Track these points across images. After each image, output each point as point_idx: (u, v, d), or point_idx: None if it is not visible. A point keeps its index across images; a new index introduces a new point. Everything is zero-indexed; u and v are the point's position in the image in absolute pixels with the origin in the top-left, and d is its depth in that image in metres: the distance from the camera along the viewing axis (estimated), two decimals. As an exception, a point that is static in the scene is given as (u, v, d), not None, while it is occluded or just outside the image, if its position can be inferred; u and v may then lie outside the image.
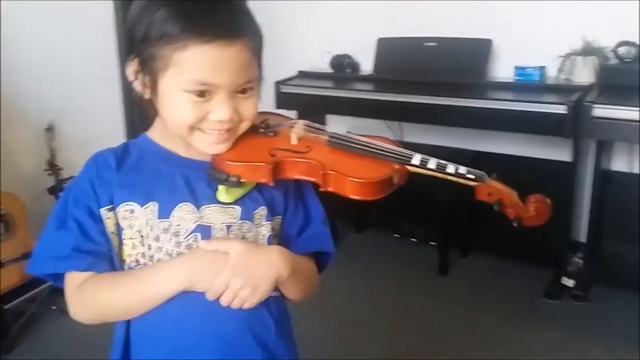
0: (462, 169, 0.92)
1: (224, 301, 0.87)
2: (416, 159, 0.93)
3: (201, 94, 0.86)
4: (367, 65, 3.48)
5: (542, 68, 2.88)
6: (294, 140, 0.96)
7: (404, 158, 0.93)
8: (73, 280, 0.92)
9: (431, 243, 3.17)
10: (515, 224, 0.91)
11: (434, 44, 3.18)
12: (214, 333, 0.92)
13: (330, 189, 0.90)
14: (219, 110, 0.88)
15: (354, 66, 3.53)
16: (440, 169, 0.92)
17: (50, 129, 2.96)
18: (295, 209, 1.02)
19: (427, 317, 2.67)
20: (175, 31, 0.83)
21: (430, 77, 3.09)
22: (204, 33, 0.83)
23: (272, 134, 0.98)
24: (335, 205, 3.61)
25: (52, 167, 2.89)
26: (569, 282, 2.75)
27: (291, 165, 0.92)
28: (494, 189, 0.91)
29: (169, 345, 0.92)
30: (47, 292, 2.53)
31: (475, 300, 2.78)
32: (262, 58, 0.95)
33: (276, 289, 0.95)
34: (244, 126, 0.94)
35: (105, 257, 0.92)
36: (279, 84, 3.37)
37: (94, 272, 0.91)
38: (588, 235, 2.83)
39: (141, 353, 0.94)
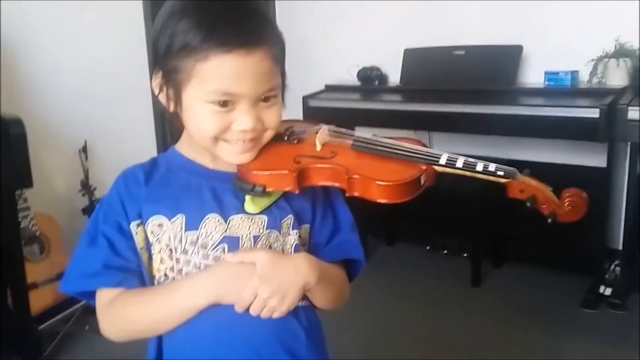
0: (492, 166, 0.89)
1: (253, 311, 0.86)
2: (443, 158, 0.90)
3: (224, 104, 0.86)
4: (395, 77, 3.47)
5: (574, 72, 2.83)
6: (318, 147, 0.95)
7: (432, 158, 0.91)
8: (103, 298, 0.92)
9: (463, 255, 3.12)
10: (550, 220, 0.88)
11: (462, 52, 3.15)
12: (244, 345, 0.91)
13: (356, 194, 0.88)
14: (242, 119, 0.87)
15: (382, 78, 3.52)
16: (469, 167, 0.89)
17: (84, 150, 3.03)
18: (323, 216, 1.00)
19: (460, 329, 2.61)
20: (197, 42, 0.83)
21: (459, 85, 3.06)
22: (224, 43, 0.83)
23: (296, 141, 0.97)
24: (366, 218, 3.60)
25: (86, 187, 2.94)
26: (607, 291, 2.67)
27: (315, 171, 0.91)
28: (526, 185, 0.88)
29: (199, 357, 0.91)
30: (81, 312, 2.55)
31: (510, 312, 2.71)
32: (284, 66, 0.95)
33: (305, 298, 0.94)
34: (268, 135, 0.93)
35: (135, 274, 0.92)
36: (306, 98, 3.38)
37: (123, 289, 0.91)
38: (624, 242, 2.75)
39: None
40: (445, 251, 3.23)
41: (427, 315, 2.75)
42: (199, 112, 0.88)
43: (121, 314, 0.91)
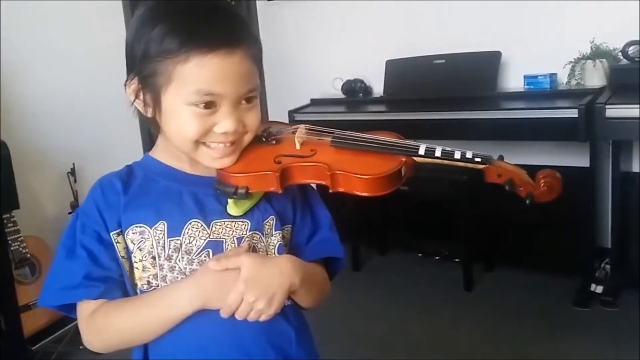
0: (469, 154, 0.91)
1: (239, 315, 0.86)
2: (422, 149, 0.91)
3: (206, 105, 0.85)
4: (379, 88, 3.52)
5: (552, 75, 2.87)
6: (297, 146, 0.96)
7: (410, 150, 0.92)
8: (85, 310, 0.90)
9: (455, 260, 3.13)
10: (527, 202, 0.90)
11: (442, 61, 3.20)
12: (233, 348, 0.90)
13: (340, 189, 0.89)
14: (224, 122, 0.87)
15: (366, 90, 3.57)
16: (447, 155, 0.91)
17: (72, 173, 3.05)
18: (302, 216, 1.01)
19: (454, 334, 2.62)
20: (175, 45, 0.83)
21: (441, 93, 3.11)
22: (204, 44, 0.83)
23: (274, 142, 0.97)
24: (358, 229, 3.63)
25: (76, 209, 2.95)
26: (598, 289, 2.68)
27: (298, 170, 0.91)
28: (502, 170, 0.90)
29: None
30: (74, 331, 2.55)
31: (503, 314, 2.72)
32: (262, 67, 0.95)
33: (289, 298, 0.94)
34: (248, 138, 0.93)
35: (117, 283, 0.90)
36: (292, 112, 3.42)
37: (105, 300, 0.89)
38: (613, 240, 2.78)
39: None
40: (437, 257, 3.25)
41: (421, 320, 2.76)
42: (180, 116, 0.87)
43: (105, 325, 0.89)
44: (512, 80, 3.10)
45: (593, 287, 2.71)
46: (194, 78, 0.84)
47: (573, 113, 2.51)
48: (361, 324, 2.74)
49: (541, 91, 2.85)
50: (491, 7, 3.12)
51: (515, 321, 2.65)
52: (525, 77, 2.92)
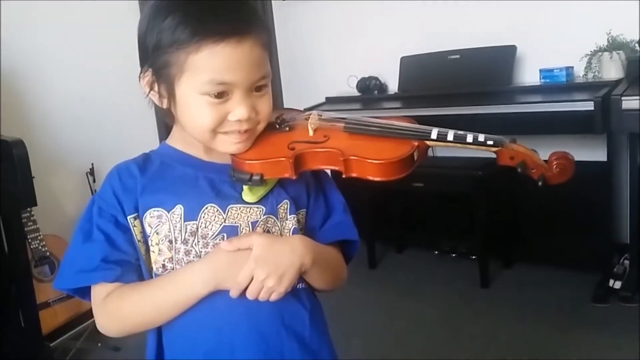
0: (481, 137, 0.90)
1: (250, 294, 0.86)
2: (434, 133, 0.91)
3: (219, 95, 0.86)
4: (394, 85, 3.51)
5: (569, 68, 2.84)
6: (310, 132, 0.96)
7: (423, 134, 0.91)
8: (100, 293, 0.91)
9: (471, 257, 3.11)
10: (540, 184, 0.89)
11: (457, 56, 3.19)
12: (246, 329, 0.91)
13: (353, 175, 0.89)
14: (238, 109, 0.88)
15: (381, 87, 3.56)
16: (460, 139, 0.91)
17: (91, 173, 3.10)
18: (316, 200, 1.01)
19: (471, 331, 2.59)
20: (187, 35, 0.84)
21: (456, 89, 3.10)
22: (215, 33, 0.83)
23: (287, 128, 0.98)
24: (375, 227, 3.61)
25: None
26: (616, 284, 2.64)
27: (311, 156, 0.91)
28: (515, 152, 0.89)
29: (202, 348, 0.91)
30: (92, 328, 2.59)
31: (521, 311, 2.70)
32: (272, 54, 0.96)
33: (303, 280, 0.95)
34: (261, 126, 0.94)
35: (133, 267, 0.91)
36: (307, 110, 3.41)
37: (120, 284, 0.90)
38: (631, 234, 2.73)
39: (174, 356, 0.94)
40: (453, 254, 3.23)
41: (438, 317, 2.75)
42: (194, 106, 0.88)
43: (119, 308, 0.90)
44: (528, 75, 3.07)
45: (611, 282, 2.67)
46: (206, 67, 0.85)
47: (589, 105, 2.47)
48: (377, 321, 2.73)
49: (557, 85, 2.83)
50: (506, 1, 3.09)
51: (532, 318, 2.62)
52: (541, 70, 2.90)
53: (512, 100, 2.82)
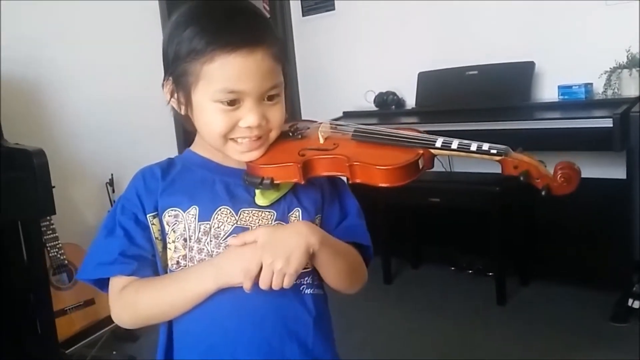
0: (485, 146, 0.91)
1: (262, 283, 0.88)
2: (439, 142, 0.93)
3: (231, 102, 0.91)
4: (411, 101, 3.52)
5: (587, 85, 2.83)
6: (321, 140, 1.00)
7: (428, 142, 0.94)
8: (116, 285, 0.96)
9: (488, 274, 3.09)
10: (544, 193, 0.89)
11: (475, 72, 3.19)
12: (250, 329, 0.94)
13: (358, 180, 0.92)
14: (248, 116, 0.92)
15: (399, 102, 3.57)
16: (464, 148, 0.92)
17: (110, 183, 3.15)
18: (330, 204, 1.05)
19: (487, 348, 2.56)
20: (202, 46, 0.89)
21: (473, 105, 3.10)
22: (227, 44, 0.89)
23: (300, 136, 1.02)
24: (391, 242, 3.59)
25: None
26: (635, 304, 2.59)
27: (319, 162, 0.95)
28: (519, 161, 0.89)
29: (206, 343, 0.95)
30: (107, 336, 2.61)
31: (538, 329, 2.66)
32: (285, 66, 0.99)
33: (318, 281, 0.99)
34: (274, 135, 0.98)
35: (149, 263, 0.96)
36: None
37: (136, 277, 0.95)
38: (651, 253, 2.68)
39: (182, 353, 0.98)
40: (470, 271, 3.21)
41: (453, 334, 2.72)
42: (207, 112, 0.93)
43: (134, 301, 0.95)
44: (547, 91, 3.06)
45: (630, 302, 2.61)
46: (219, 76, 0.90)
47: (608, 122, 2.45)
48: (392, 336, 2.71)
49: (576, 101, 2.81)
50: (524, 17, 3.10)
51: (549, 336, 2.59)
52: (559, 87, 2.89)
53: (530, 117, 2.81)
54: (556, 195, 0.89)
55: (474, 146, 0.91)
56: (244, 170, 0.97)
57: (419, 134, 0.97)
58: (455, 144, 0.92)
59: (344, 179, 1.01)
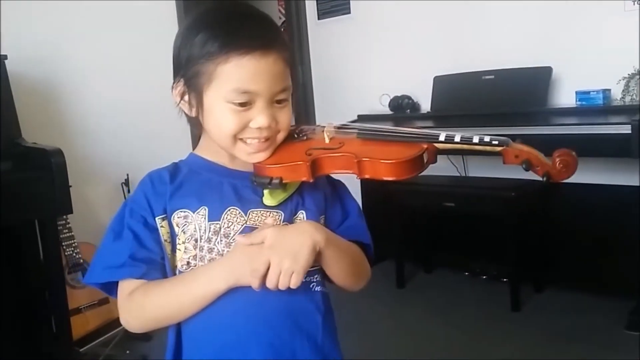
0: (487, 138, 0.94)
1: (270, 282, 0.89)
2: (442, 136, 0.96)
3: (243, 103, 0.93)
4: (426, 105, 3.51)
5: (605, 91, 2.80)
6: (326, 140, 1.02)
7: (431, 137, 0.97)
8: (125, 289, 0.96)
9: (502, 280, 3.07)
10: (544, 179, 0.93)
11: (491, 77, 3.18)
12: (261, 328, 0.95)
13: (366, 176, 0.94)
14: (259, 117, 0.94)
15: (414, 106, 3.57)
16: (466, 140, 0.95)
17: (126, 183, 3.18)
18: (333, 205, 1.07)
19: (500, 355, 2.54)
20: (216, 48, 0.92)
21: (489, 109, 3.08)
22: (242, 46, 0.91)
23: (305, 137, 1.05)
24: (404, 246, 3.57)
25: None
26: (651, 312, 2.57)
27: (327, 160, 0.97)
28: (519, 151, 0.93)
29: (217, 343, 0.95)
30: (121, 335, 2.63)
31: (552, 336, 2.64)
32: (293, 70, 1.02)
33: (323, 279, 1.00)
34: (281, 137, 1.00)
35: (158, 266, 0.96)
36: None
37: (145, 281, 0.95)
38: (667, 261, 2.65)
39: (191, 353, 0.98)
40: (484, 277, 3.19)
41: (466, 340, 2.70)
42: (219, 112, 0.95)
43: (142, 304, 0.95)
44: (564, 97, 3.03)
45: (646, 310, 2.59)
46: (233, 77, 0.92)
47: (626, 129, 2.42)
48: (404, 342, 2.70)
49: (594, 107, 2.79)
50: (542, 22, 3.08)
51: (563, 343, 2.57)
52: (577, 92, 2.87)
53: (547, 122, 2.79)
54: (556, 182, 0.93)
55: (476, 138, 0.95)
56: (252, 172, 0.99)
57: (423, 130, 1.00)
58: (458, 137, 0.95)
59: (344, 182, 1.07)
